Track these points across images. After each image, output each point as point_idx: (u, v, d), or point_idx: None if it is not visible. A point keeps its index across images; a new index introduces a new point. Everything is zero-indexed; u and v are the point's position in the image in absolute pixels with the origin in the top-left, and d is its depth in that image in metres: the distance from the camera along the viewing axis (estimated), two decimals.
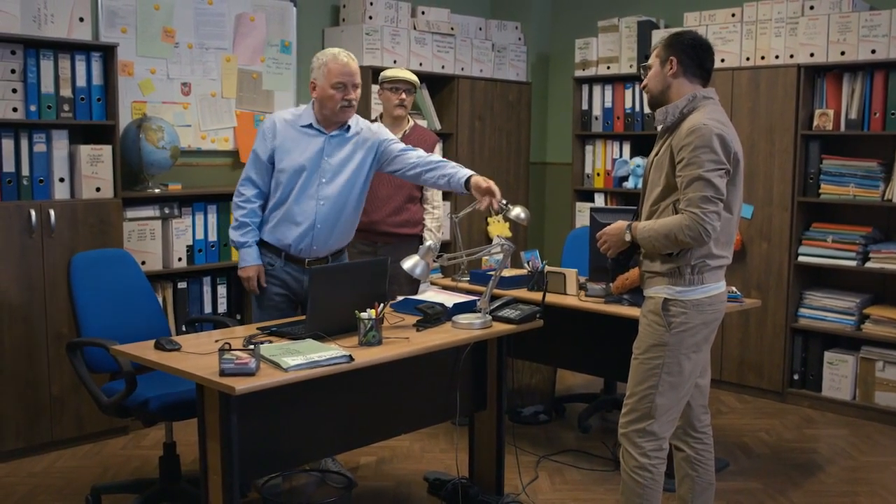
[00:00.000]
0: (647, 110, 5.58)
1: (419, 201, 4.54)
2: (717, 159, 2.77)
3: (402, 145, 3.79)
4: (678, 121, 2.90)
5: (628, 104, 5.77)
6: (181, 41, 4.84)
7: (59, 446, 4.21)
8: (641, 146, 5.81)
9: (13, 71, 3.99)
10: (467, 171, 3.60)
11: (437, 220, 4.59)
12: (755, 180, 5.10)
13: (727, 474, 4.00)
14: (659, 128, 3.00)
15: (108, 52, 4.26)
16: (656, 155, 2.98)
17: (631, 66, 5.67)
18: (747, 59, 5.18)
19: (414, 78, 4.46)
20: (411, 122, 4.56)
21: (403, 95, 4.42)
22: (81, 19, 4.20)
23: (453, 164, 3.68)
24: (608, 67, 5.84)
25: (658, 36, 5.35)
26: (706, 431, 3.13)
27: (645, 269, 2.98)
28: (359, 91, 3.62)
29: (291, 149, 3.62)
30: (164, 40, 4.78)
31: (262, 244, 3.72)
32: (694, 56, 2.94)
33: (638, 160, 5.70)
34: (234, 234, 3.70)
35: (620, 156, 5.83)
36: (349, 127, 3.69)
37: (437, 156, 3.82)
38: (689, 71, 2.94)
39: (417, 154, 3.74)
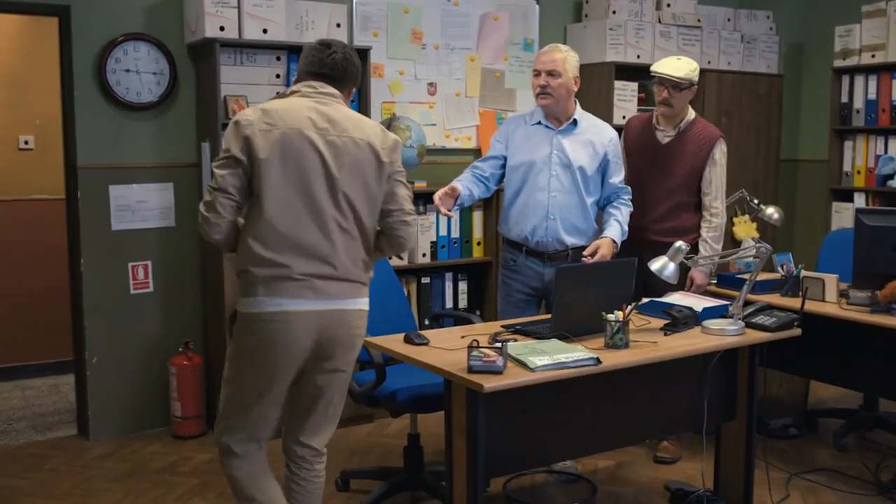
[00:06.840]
0: None
1: (693, 208, 4.09)
2: None
3: (617, 162, 3.87)
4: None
5: None
6: (428, 42, 4.97)
7: None
8: None
9: (278, 76, 4.26)
10: (609, 233, 3.73)
11: (714, 229, 4.03)
12: None
13: None
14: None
15: (361, 55, 4.43)
16: None
17: None
18: None
19: (679, 73, 3.92)
20: (691, 116, 4.09)
21: (665, 93, 3.97)
22: (338, 25, 4.42)
23: (623, 217, 3.80)
24: (873, 56, 5.38)
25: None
26: None
27: None
28: (558, 80, 3.70)
29: (522, 145, 3.84)
30: (412, 42, 4.93)
31: (505, 241, 3.96)
32: None
33: None
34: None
35: (885, 152, 5.36)
36: (576, 121, 3.81)
37: (628, 195, 3.88)
38: None
39: (619, 180, 3.87)
